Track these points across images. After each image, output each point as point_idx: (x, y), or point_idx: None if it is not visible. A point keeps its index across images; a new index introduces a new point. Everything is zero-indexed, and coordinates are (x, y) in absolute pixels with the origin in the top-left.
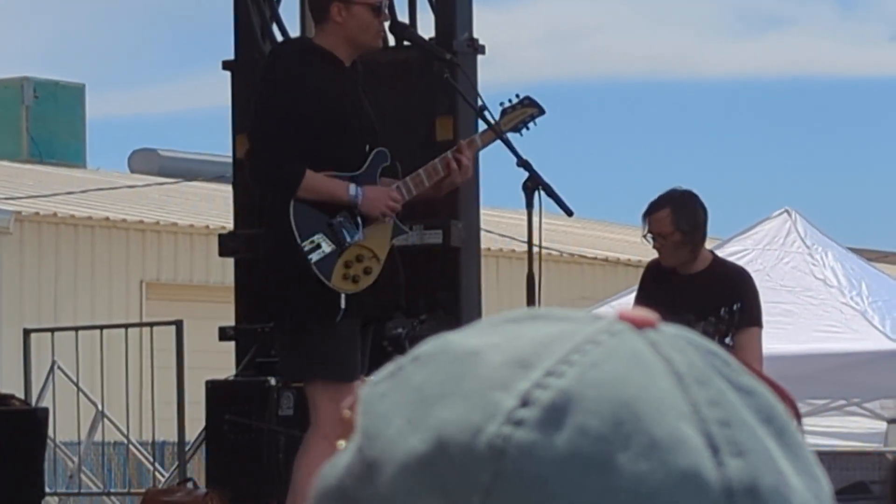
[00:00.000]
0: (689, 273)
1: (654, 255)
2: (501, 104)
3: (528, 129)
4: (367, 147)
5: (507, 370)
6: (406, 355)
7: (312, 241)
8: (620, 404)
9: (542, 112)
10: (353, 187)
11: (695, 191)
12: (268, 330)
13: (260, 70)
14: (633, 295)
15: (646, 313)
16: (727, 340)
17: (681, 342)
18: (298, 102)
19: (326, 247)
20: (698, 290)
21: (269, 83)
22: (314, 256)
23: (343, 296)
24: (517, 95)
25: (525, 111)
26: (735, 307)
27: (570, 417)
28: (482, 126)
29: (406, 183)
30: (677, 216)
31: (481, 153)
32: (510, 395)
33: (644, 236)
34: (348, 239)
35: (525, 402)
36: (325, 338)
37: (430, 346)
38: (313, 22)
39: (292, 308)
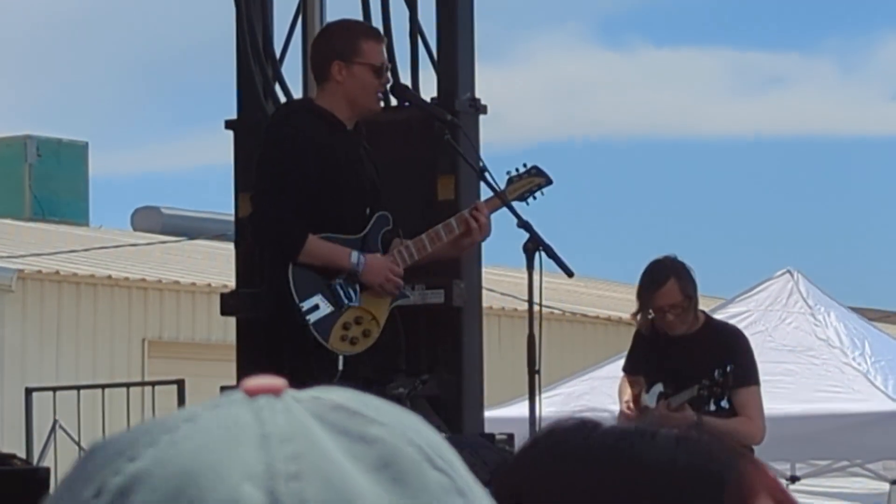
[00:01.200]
0: (684, 335)
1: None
2: (508, 173)
3: (534, 198)
4: (369, 210)
5: (102, 464)
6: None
7: (311, 302)
8: (184, 476)
9: (549, 182)
10: (355, 255)
11: (673, 255)
12: None
13: (263, 130)
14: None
15: (270, 381)
16: (723, 403)
17: (294, 403)
18: (301, 163)
19: (325, 308)
20: (693, 352)
21: (273, 144)
22: (312, 317)
23: (341, 358)
24: (524, 165)
25: (532, 181)
26: (728, 368)
27: (132, 498)
28: (484, 187)
29: (408, 247)
30: (682, 283)
31: None
32: (91, 486)
33: (646, 313)
34: (347, 301)
35: (98, 492)
36: None
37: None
38: (315, 82)
39: (290, 369)
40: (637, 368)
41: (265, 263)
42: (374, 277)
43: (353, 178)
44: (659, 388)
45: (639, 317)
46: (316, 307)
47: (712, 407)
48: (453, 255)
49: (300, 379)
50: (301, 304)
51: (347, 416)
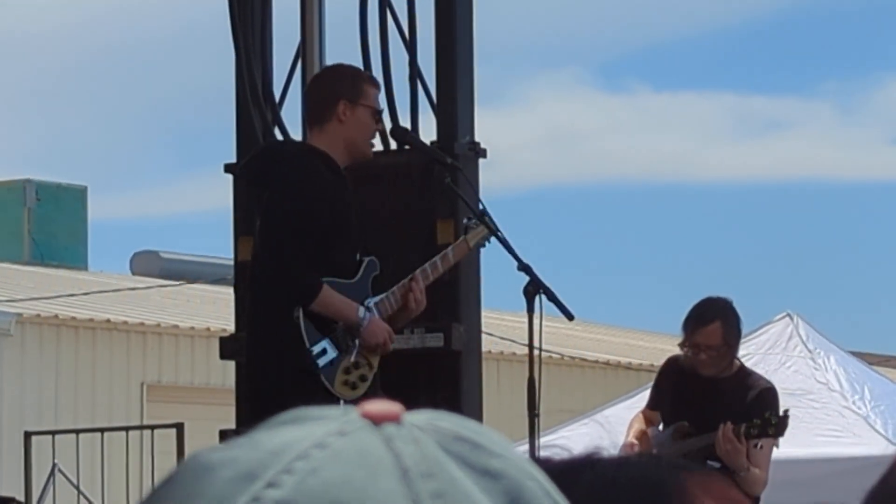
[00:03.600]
0: (715, 377)
1: (657, 356)
2: (466, 219)
3: (484, 247)
4: (358, 255)
5: (231, 486)
6: (165, 476)
7: (320, 347)
8: None
9: (493, 233)
10: (362, 311)
11: (729, 298)
12: None
13: (264, 170)
14: (636, 397)
15: (389, 406)
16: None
17: (419, 433)
18: (312, 207)
19: (331, 352)
20: (725, 396)
21: (285, 184)
22: (321, 361)
23: (342, 402)
24: (477, 213)
25: (482, 230)
26: (783, 412)
27: None
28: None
29: (394, 294)
30: (727, 329)
31: (482, 254)
32: None
33: (683, 346)
34: (350, 346)
35: None
36: None
37: (183, 463)
38: (310, 123)
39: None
40: (659, 405)
41: (264, 306)
42: (372, 338)
43: (349, 223)
44: (678, 425)
45: (685, 350)
46: (324, 351)
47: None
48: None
49: None
50: (311, 349)
51: (470, 449)
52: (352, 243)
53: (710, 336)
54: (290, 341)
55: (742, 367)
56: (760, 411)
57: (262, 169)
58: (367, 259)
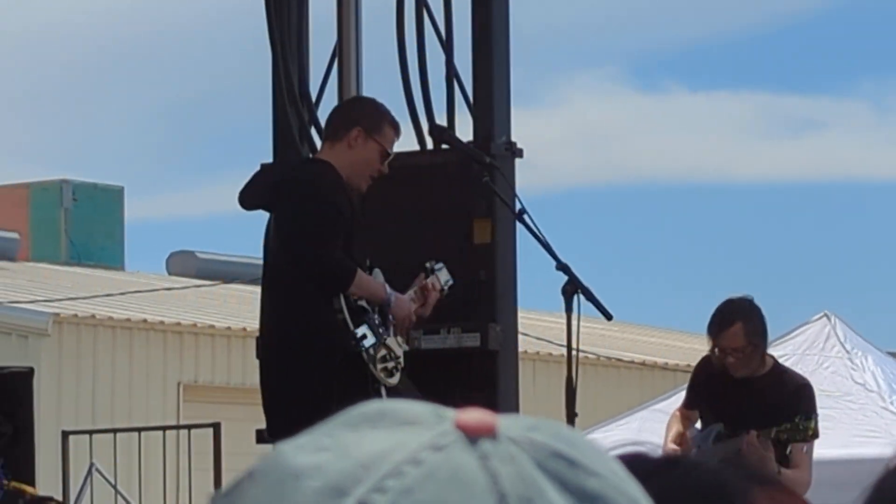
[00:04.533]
0: (749, 378)
1: (693, 357)
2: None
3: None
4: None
5: (320, 499)
6: (247, 471)
7: (360, 332)
8: None
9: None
10: (388, 288)
11: (750, 296)
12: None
13: (289, 178)
14: (672, 399)
15: (484, 418)
16: (804, 449)
17: (514, 449)
18: (335, 201)
19: (371, 338)
20: (761, 395)
21: (308, 187)
22: (365, 344)
23: (383, 388)
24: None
25: (444, 273)
26: (814, 417)
27: None
28: (521, 228)
29: (411, 297)
30: (748, 329)
31: (520, 254)
32: None
33: (712, 351)
34: (383, 333)
35: None
36: None
37: (266, 461)
38: (325, 137)
39: (337, 402)
40: (695, 404)
41: (301, 297)
42: (401, 311)
43: (355, 231)
44: (718, 427)
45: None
46: (364, 336)
47: (788, 450)
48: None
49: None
50: (355, 332)
51: (567, 467)
52: (359, 251)
53: (733, 338)
54: (335, 327)
55: (776, 364)
56: (796, 409)
57: (276, 180)
58: (374, 269)
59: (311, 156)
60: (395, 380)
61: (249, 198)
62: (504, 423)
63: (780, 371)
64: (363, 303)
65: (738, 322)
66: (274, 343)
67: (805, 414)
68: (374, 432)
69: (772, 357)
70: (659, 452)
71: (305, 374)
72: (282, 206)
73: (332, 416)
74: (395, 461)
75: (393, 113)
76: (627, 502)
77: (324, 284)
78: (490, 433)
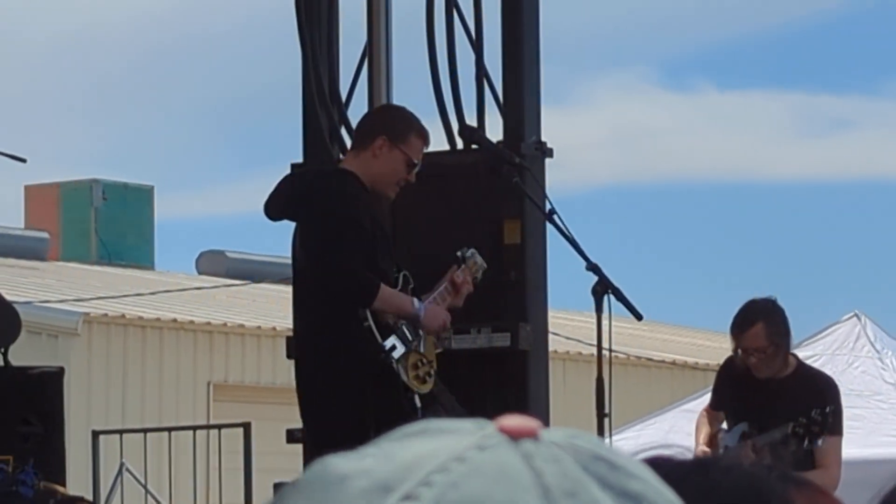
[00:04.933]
0: (774, 378)
1: (723, 356)
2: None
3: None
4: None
5: (366, 497)
6: (291, 482)
7: (390, 343)
8: None
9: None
10: (416, 301)
11: (773, 297)
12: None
13: (307, 198)
14: (702, 399)
15: (527, 422)
16: (819, 442)
17: (559, 451)
18: (358, 215)
19: (401, 348)
20: (782, 396)
21: (338, 199)
22: (395, 355)
23: (417, 397)
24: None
25: (477, 264)
26: (828, 409)
27: None
28: (551, 228)
29: (442, 294)
30: (770, 329)
31: (550, 253)
32: None
33: (735, 352)
34: (413, 340)
35: None
36: None
37: (311, 471)
38: (352, 146)
39: (374, 413)
40: (721, 406)
41: (329, 310)
42: (434, 322)
43: (386, 236)
44: (743, 427)
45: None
46: (394, 347)
47: (805, 445)
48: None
49: (385, 421)
50: (384, 344)
51: (609, 469)
52: (390, 256)
53: (754, 339)
54: (363, 339)
55: (799, 364)
56: (820, 408)
57: (299, 192)
58: (402, 273)
59: (337, 164)
60: (427, 386)
61: (274, 208)
62: (546, 429)
63: (803, 371)
64: (390, 318)
65: (760, 322)
66: (307, 352)
67: (821, 408)
68: (417, 440)
69: (795, 357)
70: (688, 454)
71: (336, 385)
72: (304, 219)
73: (366, 424)
74: (440, 459)
75: (423, 115)
76: (667, 503)
77: (346, 301)
78: (532, 436)
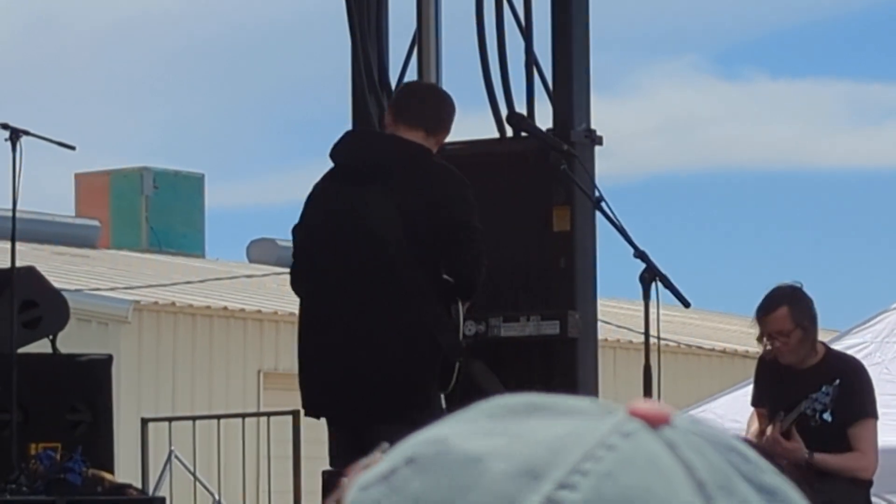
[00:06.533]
0: (804, 368)
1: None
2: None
3: None
4: None
5: (515, 482)
6: (399, 456)
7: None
8: None
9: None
10: None
11: (799, 283)
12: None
13: (439, 172)
14: (750, 387)
15: (658, 407)
16: (825, 416)
17: (697, 439)
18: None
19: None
20: (814, 384)
21: (464, 185)
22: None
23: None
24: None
25: None
26: (836, 383)
27: None
28: (599, 216)
29: None
30: (795, 312)
31: (599, 241)
32: None
33: (760, 338)
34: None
35: None
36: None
37: (427, 447)
38: (409, 120)
39: (432, 400)
40: (762, 401)
41: (427, 299)
42: None
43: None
44: (780, 416)
45: (763, 342)
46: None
47: (816, 420)
48: None
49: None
50: (462, 341)
51: (743, 461)
52: None
53: (779, 322)
54: (449, 333)
55: (828, 351)
56: (849, 393)
57: (414, 171)
58: None
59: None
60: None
61: (360, 166)
62: (676, 415)
63: (831, 356)
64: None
65: (785, 305)
66: (386, 333)
67: (852, 392)
68: (541, 421)
69: (824, 345)
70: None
71: (423, 376)
72: (423, 196)
73: (430, 410)
74: (587, 446)
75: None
76: (797, 498)
77: (466, 291)
78: (667, 423)
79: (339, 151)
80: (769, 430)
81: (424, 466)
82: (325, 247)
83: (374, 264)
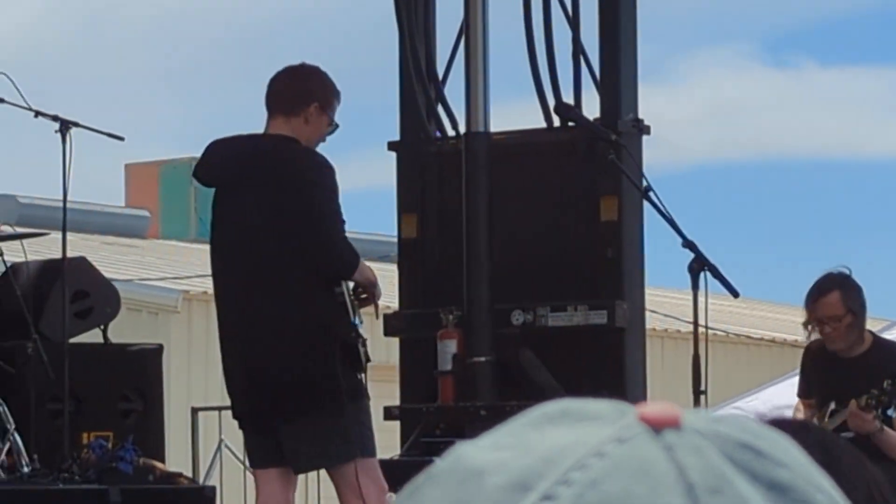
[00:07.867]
0: (852, 356)
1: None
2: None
3: None
4: None
5: (506, 495)
6: (429, 468)
7: (356, 320)
8: None
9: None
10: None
11: (847, 270)
12: (428, 410)
13: (283, 165)
14: (797, 377)
15: (668, 410)
16: (889, 412)
17: (701, 440)
18: (336, 188)
19: (359, 325)
20: (862, 372)
21: (325, 173)
22: (361, 333)
23: (362, 377)
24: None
25: None
26: (889, 384)
27: None
28: (647, 206)
29: None
30: (846, 297)
31: (647, 231)
32: None
33: (807, 324)
34: (358, 320)
35: None
36: (363, 416)
37: (445, 460)
38: (276, 110)
39: (340, 390)
40: (808, 392)
41: (307, 283)
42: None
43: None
44: (831, 406)
45: (808, 329)
46: (356, 325)
47: (878, 414)
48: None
49: (348, 398)
50: (354, 321)
51: (754, 458)
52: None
53: (830, 306)
54: (339, 316)
55: (876, 338)
56: (892, 378)
57: (260, 159)
58: None
59: (271, 133)
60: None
61: (219, 174)
62: (688, 415)
63: (880, 343)
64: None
65: (836, 290)
66: (270, 326)
67: (892, 378)
68: (555, 429)
69: (871, 333)
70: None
71: (310, 362)
72: (275, 187)
73: (340, 400)
74: (579, 454)
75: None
76: (816, 491)
77: (333, 271)
78: (675, 425)
79: (204, 163)
80: (852, 404)
81: (437, 481)
82: (216, 257)
83: (257, 267)
